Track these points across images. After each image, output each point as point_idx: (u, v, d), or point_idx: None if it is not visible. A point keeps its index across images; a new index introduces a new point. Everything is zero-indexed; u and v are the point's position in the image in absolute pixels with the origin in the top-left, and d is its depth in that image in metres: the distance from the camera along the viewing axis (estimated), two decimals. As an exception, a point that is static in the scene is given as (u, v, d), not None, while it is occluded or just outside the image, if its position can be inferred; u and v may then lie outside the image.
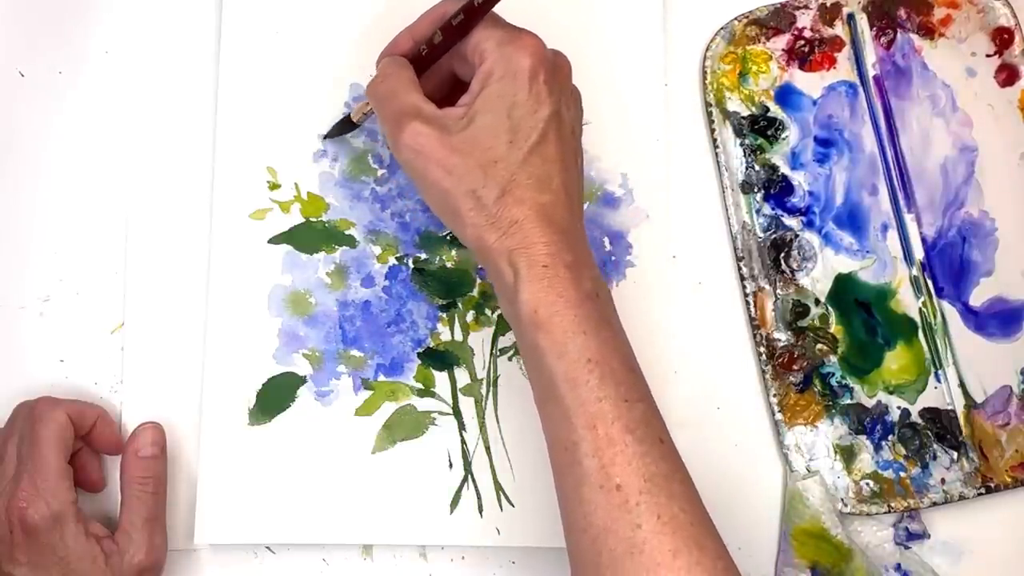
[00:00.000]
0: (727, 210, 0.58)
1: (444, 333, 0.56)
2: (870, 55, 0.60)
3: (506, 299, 0.46)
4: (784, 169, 0.59)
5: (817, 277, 0.58)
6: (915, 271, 0.58)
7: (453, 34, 0.48)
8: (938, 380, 0.58)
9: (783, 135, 0.59)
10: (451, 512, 0.55)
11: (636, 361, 0.46)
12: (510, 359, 0.56)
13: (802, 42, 0.60)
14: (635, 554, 0.41)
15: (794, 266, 0.58)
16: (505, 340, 0.56)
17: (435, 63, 0.49)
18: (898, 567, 0.56)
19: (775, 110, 0.59)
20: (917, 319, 0.58)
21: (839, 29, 0.60)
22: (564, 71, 0.48)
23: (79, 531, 0.50)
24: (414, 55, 0.49)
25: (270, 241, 0.56)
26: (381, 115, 0.48)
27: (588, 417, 0.43)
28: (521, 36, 0.47)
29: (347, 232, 0.57)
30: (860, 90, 0.60)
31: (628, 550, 0.41)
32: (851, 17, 0.60)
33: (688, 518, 0.42)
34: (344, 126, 0.56)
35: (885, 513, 0.56)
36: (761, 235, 0.58)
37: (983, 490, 0.56)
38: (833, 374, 0.57)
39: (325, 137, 0.57)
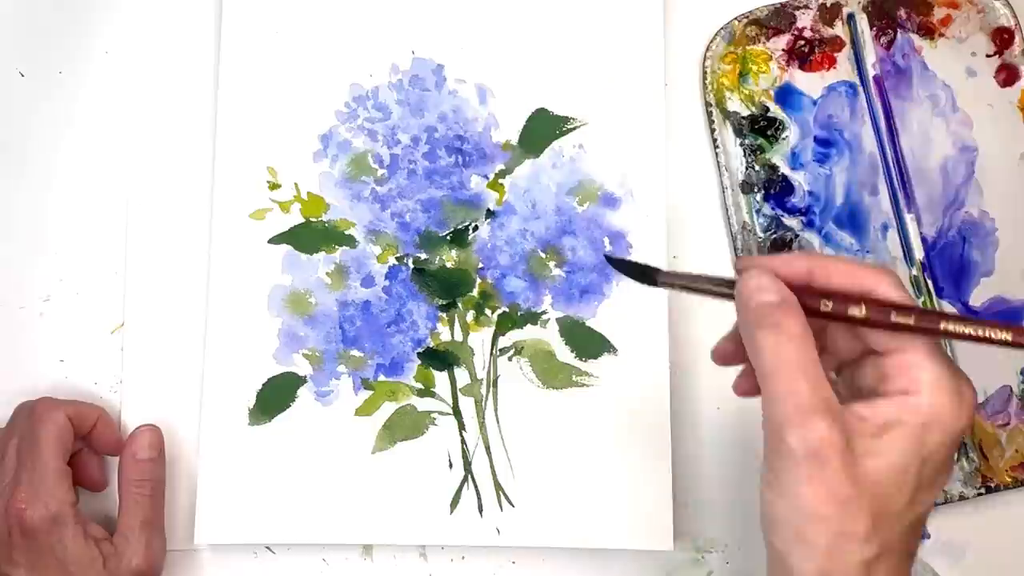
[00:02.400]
0: (727, 210, 0.58)
1: (444, 333, 0.56)
2: (870, 55, 0.60)
3: None
4: (784, 169, 0.59)
5: (817, 277, 0.58)
6: (915, 271, 0.58)
7: (882, 325, 0.38)
8: (938, 380, 0.57)
9: (783, 135, 0.59)
10: (451, 512, 0.55)
11: None
12: (510, 359, 0.56)
13: (802, 42, 0.60)
14: None
15: (794, 266, 0.58)
16: (505, 340, 0.56)
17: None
18: (898, 567, 0.56)
19: (775, 110, 0.59)
20: (917, 319, 0.58)
21: (839, 29, 0.60)
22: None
23: (78, 533, 0.50)
24: (804, 293, 0.39)
25: (270, 241, 0.56)
26: (765, 375, 0.38)
27: None
28: (963, 389, 0.39)
29: (347, 232, 0.56)
30: (860, 90, 0.60)
31: None
32: (851, 17, 0.60)
33: None
34: (642, 276, 0.44)
35: (885, 513, 0.56)
36: (761, 235, 0.58)
37: (983, 490, 0.56)
38: (833, 374, 0.57)
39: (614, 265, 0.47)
